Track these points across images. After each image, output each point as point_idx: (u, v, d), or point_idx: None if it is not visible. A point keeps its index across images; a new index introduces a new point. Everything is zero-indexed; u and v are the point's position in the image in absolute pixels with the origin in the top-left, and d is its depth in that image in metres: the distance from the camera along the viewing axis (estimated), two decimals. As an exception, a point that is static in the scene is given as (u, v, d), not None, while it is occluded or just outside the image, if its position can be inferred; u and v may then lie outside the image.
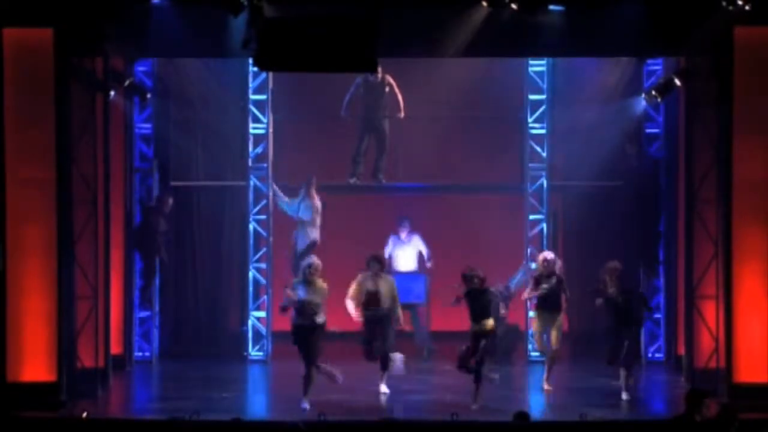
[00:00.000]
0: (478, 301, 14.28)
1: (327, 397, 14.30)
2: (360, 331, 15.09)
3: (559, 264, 15.57)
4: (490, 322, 14.31)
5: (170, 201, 17.60)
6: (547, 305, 15.38)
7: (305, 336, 14.19)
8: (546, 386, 15.34)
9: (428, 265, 17.70)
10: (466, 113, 18.25)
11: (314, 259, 14.44)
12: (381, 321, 14.98)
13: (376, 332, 14.97)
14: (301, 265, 14.54)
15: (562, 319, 15.50)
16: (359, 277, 15.07)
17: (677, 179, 16.74)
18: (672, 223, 17.16)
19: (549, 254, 15.65)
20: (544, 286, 15.30)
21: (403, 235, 17.75)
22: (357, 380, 15.17)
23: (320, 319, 14.16)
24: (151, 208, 17.56)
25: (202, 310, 18.20)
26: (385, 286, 15.02)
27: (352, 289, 15.02)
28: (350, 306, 14.97)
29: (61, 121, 14.12)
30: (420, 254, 17.80)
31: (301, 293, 14.17)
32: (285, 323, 15.29)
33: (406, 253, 17.76)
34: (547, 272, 15.38)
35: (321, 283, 14.24)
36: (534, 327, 15.81)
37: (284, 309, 14.38)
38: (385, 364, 15.06)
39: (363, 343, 15.05)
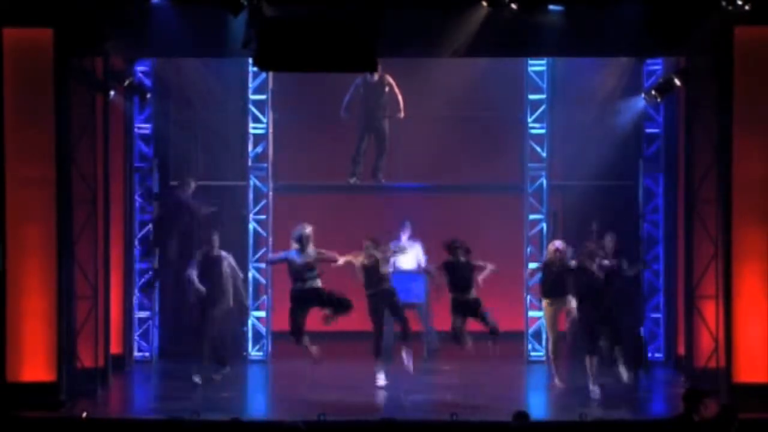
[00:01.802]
0: (460, 271, 14.93)
1: (327, 396, 14.29)
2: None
3: (569, 254, 15.60)
4: (471, 294, 14.97)
5: (192, 184, 17.60)
6: (554, 292, 15.44)
7: (306, 299, 14.95)
8: (558, 383, 15.34)
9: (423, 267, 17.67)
10: (466, 113, 18.24)
11: (307, 229, 15.15)
12: None
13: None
14: (295, 234, 15.14)
15: (570, 303, 15.46)
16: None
17: (677, 179, 16.74)
18: (672, 223, 17.15)
19: (559, 243, 15.67)
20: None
21: (405, 238, 17.67)
22: (357, 380, 15.17)
23: (316, 283, 15.00)
24: (169, 197, 17.53)
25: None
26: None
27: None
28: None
29: (61, 121, 14.11)
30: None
31: (297, 259, 15.03)
32: (285, 323, 15.30)
33: (407, 254, 17.72)
34: (557, 261, 15.40)
35: (313, 249, 15.09)
36: (545, 317, 15.79)
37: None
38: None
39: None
